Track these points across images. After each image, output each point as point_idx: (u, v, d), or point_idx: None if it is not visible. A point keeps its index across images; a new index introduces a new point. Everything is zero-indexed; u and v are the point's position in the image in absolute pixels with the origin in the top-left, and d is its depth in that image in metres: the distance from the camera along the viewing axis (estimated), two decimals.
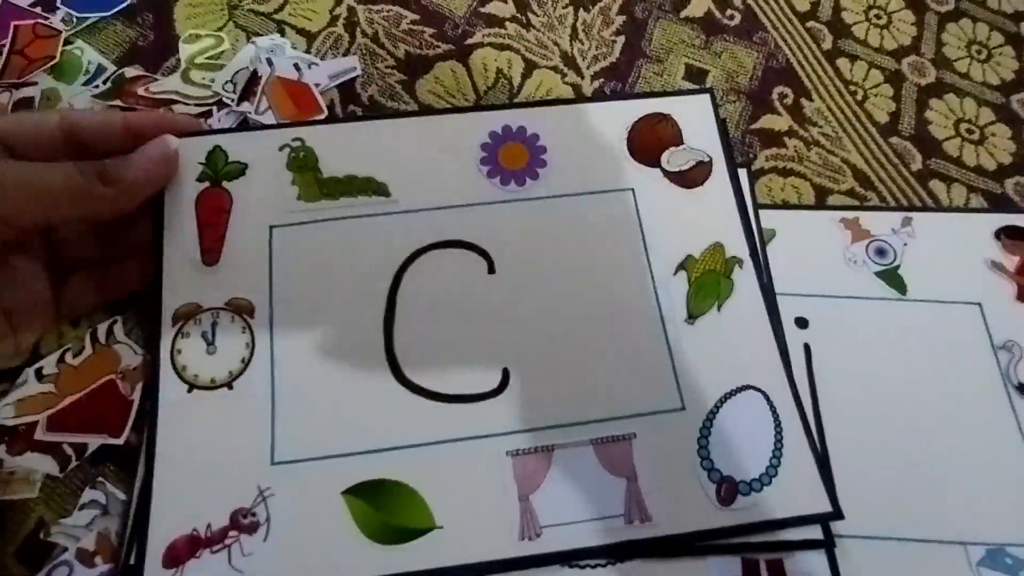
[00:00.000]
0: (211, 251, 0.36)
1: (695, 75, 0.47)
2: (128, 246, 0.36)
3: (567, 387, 0.34)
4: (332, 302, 0.35)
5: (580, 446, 0.33)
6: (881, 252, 0.40)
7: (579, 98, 0.41)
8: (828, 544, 0.33)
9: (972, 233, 0.41)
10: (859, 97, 0.48)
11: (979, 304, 0.39)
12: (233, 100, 0.43)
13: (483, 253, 0.37)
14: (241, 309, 0.35)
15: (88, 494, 0.33)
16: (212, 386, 0.33)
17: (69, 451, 0.33)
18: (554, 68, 0.46)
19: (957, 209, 0.43)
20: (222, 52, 0.45)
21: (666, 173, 0.39)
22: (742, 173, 0.41)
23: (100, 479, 0.33)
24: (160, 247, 0.36)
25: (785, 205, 0.43)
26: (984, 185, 0.45)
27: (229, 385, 0.33)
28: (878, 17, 0.52)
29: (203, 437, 0.32)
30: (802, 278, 0.39)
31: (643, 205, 0.38)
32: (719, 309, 0.37)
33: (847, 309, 0.38)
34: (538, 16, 0.48)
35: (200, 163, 0.38)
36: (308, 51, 0.45)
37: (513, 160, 0.39)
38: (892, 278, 0.39)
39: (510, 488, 0.32)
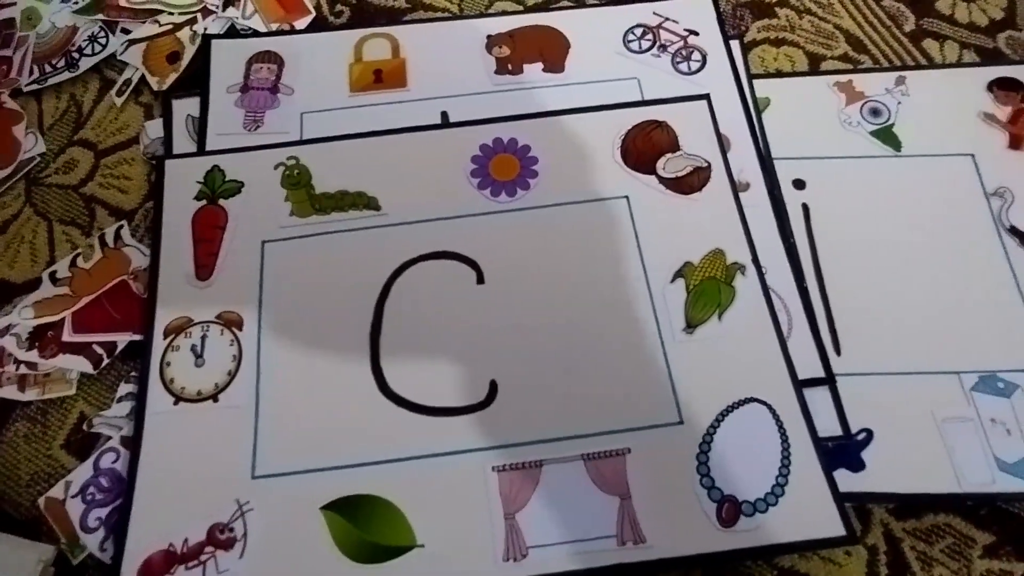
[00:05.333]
0: (204, 266, 0.36)
1: None
2: None
3: (557, 400, 0.33)
4: (320, 314, 0.35)
5: (570, 461, 0.32)
6: (875, 112, 0.41)
7: (572, 109, 0.40)
8: (830, 381, 0.34)
9: (965, 87, 0.42)
10: None
11: (972, 155, 0.40)
12: (218, 7, 0.41)
13: (472, 263, 0.36)
14: (231, 322, 0.35)
15: (124, 388, 0.35)
16: (198, 399, 0.33)
17: (100, 351, 0.35)
18: None
19: (950, 65, 0.44)
20: None
21: (662, 179, 0.38)
22: (734, 46, 0.42)
23: (133, 373, 0.35)
24: (156, 263, 0.36)
25: (779, 74, 0.43)
26: (976, 41, 0.45)
27: (215, 397, 0.33)
28: None
29: (186, 450, 0.32)
30: (798, 142, 0.40)
31: (638, 212, 0.37)
32: (720, 318, 0.35)
33: (843, 169, 0.40)
34: None
35: (198, 182, 0.39)
36: None
37: (504, 171, 0.39)
38: (887, 136, 0.41)
39: (495, 505, 0.31)
